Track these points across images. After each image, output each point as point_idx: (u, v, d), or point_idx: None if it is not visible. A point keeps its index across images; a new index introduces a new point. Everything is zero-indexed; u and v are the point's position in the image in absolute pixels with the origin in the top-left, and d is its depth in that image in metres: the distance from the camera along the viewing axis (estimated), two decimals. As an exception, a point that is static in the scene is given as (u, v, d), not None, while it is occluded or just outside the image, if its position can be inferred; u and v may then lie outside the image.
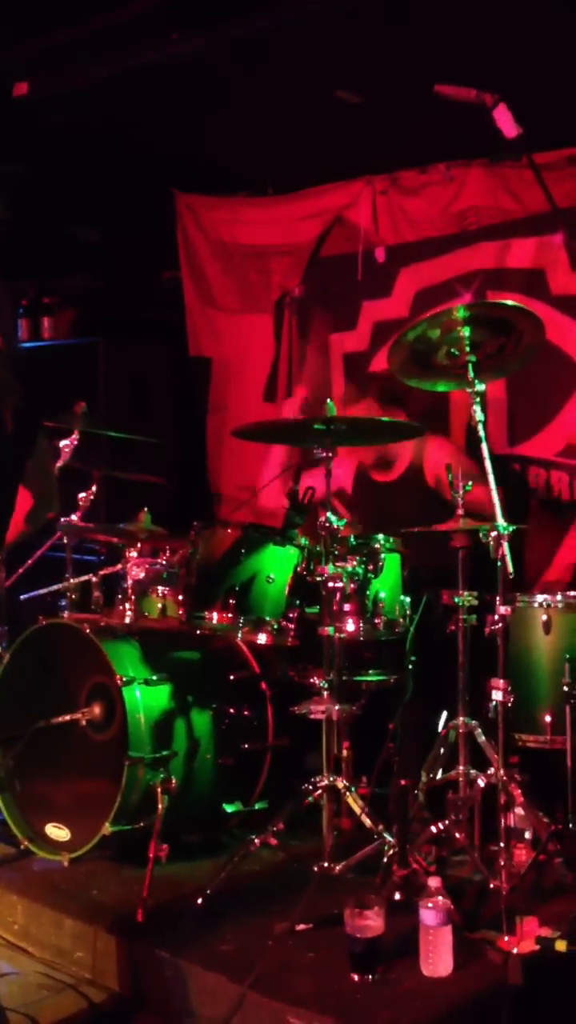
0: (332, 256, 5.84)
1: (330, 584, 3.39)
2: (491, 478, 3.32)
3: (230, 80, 4.93)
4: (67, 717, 3.70)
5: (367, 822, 3.35)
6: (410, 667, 3.70)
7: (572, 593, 3.79)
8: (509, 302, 3.42)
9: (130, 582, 3.94)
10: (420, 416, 4.49)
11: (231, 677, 4.01)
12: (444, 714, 3.73)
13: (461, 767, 3.54)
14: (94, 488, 4.27)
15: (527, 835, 3.42)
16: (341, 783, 3.36)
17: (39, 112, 5.08)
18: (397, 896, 3.11)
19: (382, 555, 3.59)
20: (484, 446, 3.37)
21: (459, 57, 4.24)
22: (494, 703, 3.27)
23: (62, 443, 4.28)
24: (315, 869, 3.19)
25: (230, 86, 4.98)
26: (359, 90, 4.82)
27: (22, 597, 4.59)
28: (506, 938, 2.87)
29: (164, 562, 4.03)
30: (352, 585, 3.53)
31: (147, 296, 6.10)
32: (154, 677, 3.69)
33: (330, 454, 3.45)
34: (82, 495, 4.23)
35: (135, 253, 6.02)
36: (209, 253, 6.25)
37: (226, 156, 5.65)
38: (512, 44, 4.34)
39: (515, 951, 2.81)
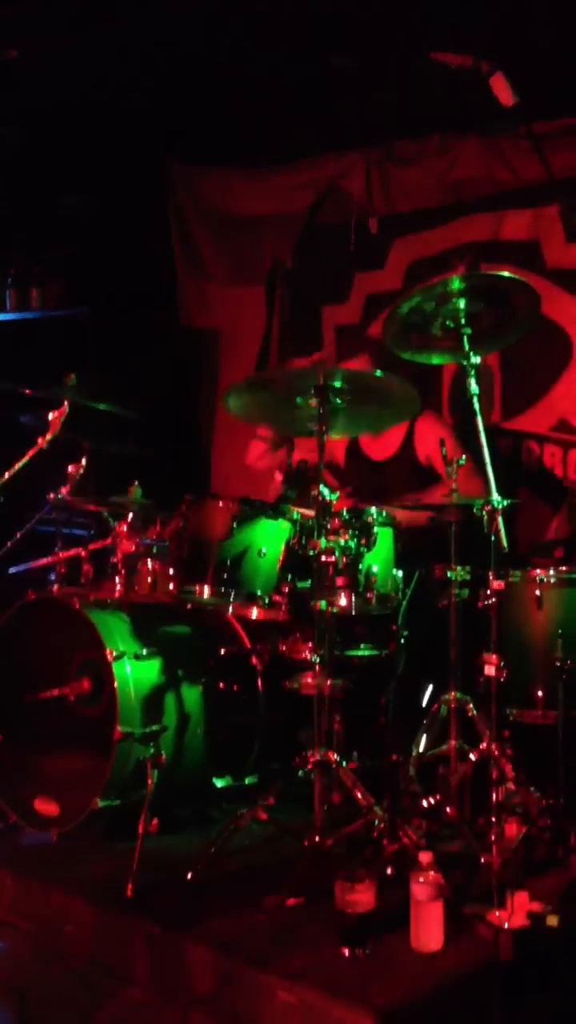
0: (325, 227, 5.79)
1: (322, 558, 3.36)
2: (485, 452, 3.29)
3: (223, 46, 4.86)
4: (55, 692, 3.68)
5: (358, 796, 3.33)
6: (402, 642, 3.68)
7: (564, 568, 3.77)
8: (505, 274, 3.38)
9: (120, 556, 3.90)
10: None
11: (222, 651, 3.99)
12: (430, 687, 3.72)
13: (453, 742, 3.53)
14: (84, 461, 4.22)
15: (518, 810, 3.41)
16: (332, 757, 3.34)
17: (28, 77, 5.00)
18: (388, 871, 3.10)
19: (375, 529, 3.56)
20: (479, 419, 3.34)
21: (456, 25, 4.18)
22: (486, 678, 3.25)
23: (51, 415, 4.23)
24: (305, 843, 3.17)
25: (223, 52, 4.92)
26: (354, 56, 4.75)
27: (11, 571, 4.55)
28: (497, 913, 2.86)
29: (155, 536, 3.99)
30: (344, 559, 3.50)
31: (138, 266, 6.03)
32: (144, 651, 3.67)
33: (323, 427, 3.41)
34: (71, 468, 4.18)
35: (125, 222, 5.95)
36: (201, 223, 6.19)
37: (219, 125, 5.58)
38: (509, 12, 4.28)
39: (506, 926, 2.80)
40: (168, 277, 6.26)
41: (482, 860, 3.14)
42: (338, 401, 3.43)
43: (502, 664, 3.23)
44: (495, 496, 3.23)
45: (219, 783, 3.88)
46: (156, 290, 6.20)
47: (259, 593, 3.56)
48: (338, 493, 3.45)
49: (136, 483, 4.05)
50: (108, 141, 5.55)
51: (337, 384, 3.37)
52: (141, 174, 5.91)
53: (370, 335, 5.23)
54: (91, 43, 4.85)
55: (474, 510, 3.29)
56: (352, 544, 3.52)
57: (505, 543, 3.23)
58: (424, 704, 3.63)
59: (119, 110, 5.33)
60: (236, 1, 4.53)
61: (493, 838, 3.15)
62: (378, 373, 3.60)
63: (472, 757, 3.40)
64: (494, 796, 3.19)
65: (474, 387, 3.37)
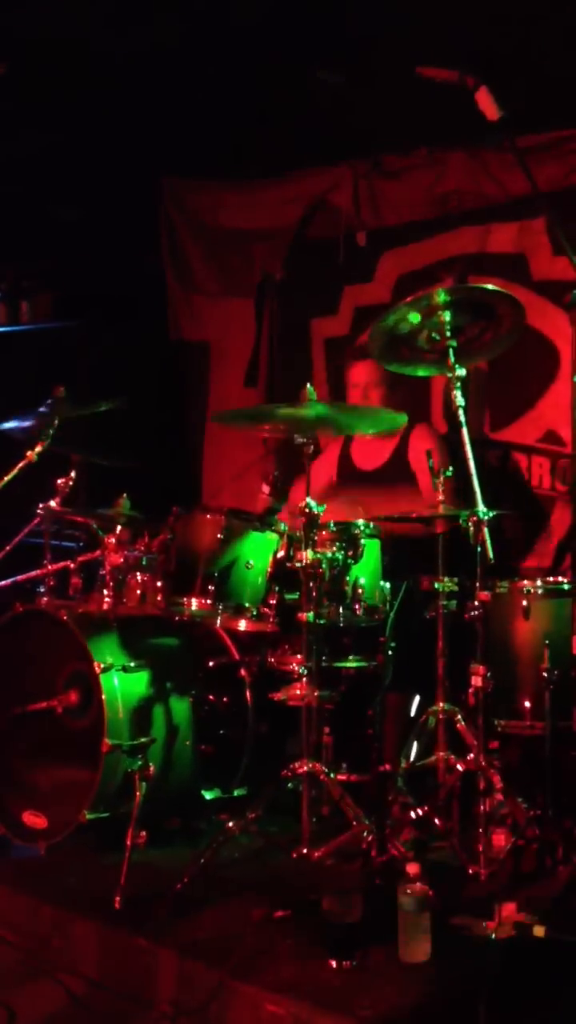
0: (314, 240, 5.81)
1: (309, 570, 3.37)
2: (471, 464, 3.31)
3: (213, 60, 4.88)
4: (43, 704, 3.68)
5: (346, 808, 3.34)
6: (390, 653, 3.69)
7: (552, 579, 3.79)
8: (490, 286, 3.40)
9: (108, 568, 3.90)
10: (404, 403, 4.46)
11: (210, 663, 4.00)
12: (417, 699, 3.72)
13: (440, 753, 3.54)
14: (73, 473, 4.23)
15: (506, 820, 3.42)
16: (320, 769, 3.34)
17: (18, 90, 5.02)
18: (376, 882, 3.10)
19: (362, 541, 3.57)
20: (464, 431, 3.36)
21: (443, 39, 4.20)
22: (473, 689, 3.26)
23: (40, 427, 4.24)
24: (294, 855, 3.18)
25: (213, 66, 4.94)
26: (341, 70, 4.79)
27: (-1, 584, 4.56)
28: (484, 924, 2.86)
29: (143, 548, 3.99)
30: (332, 571, 3.51)
31: (128, 279, 6.05)
32: (132, 664, 3.67)
33: (310, 440, 3.42)
34: (61, 480, 4.19)
35: (115, 236, 5.97)
36: (191, 236, 6.21)
37: (209, 139, 5.61)
38: (495, 27, 4.32)
39: (493, 937, 2.80)
40: (158, 290, 6.28)
41: (470, 871, 3.15)
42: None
43: (489, 675, 3.24)
44: (481, 507, 3.24)
45: (208, 795, 3.88)
46: (146, 303, 6.22)
47: (247, 605, 3.57)
48: (324, 506, 3.46)
49: (125, 495, 4.05)
50: (99, 154, 5.57)
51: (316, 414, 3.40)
52: (131, 187, 5.92)
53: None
54: (82, 56, 4.87)
55: (460, 521, 3.30)
56: (339, 556, 3.53)
57: (491, 554, 3.24)
58: (412, 715, 3.63)
59: (110, 123, 5.35)
60: (226, 16, 4.56)
61: (481, 849, 3.16)
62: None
63: (460, 768, 3.41)
64: (482, 807, 3.20)
65: (460, 399, 3.39)
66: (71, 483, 4.21)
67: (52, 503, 4.13)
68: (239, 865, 3.46)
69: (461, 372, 3.42)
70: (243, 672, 3.98)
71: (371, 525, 3.62)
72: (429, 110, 4.61)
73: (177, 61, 4.87)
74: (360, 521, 3.60)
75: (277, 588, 3.60)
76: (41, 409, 4.25)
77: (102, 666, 3.57)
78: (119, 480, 4.28)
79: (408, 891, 2.81)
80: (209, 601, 3.54)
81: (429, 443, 4.33)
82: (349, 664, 3.71)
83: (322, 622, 3.46)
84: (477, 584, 3.26)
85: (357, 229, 5.59)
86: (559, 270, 4.84)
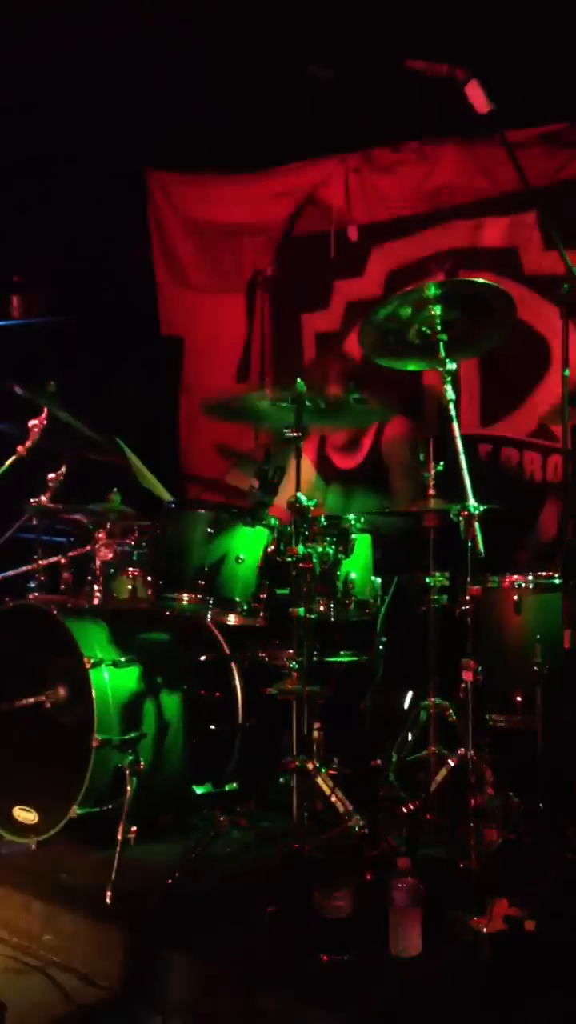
0: (304, 235, 5.80)
1: (300, 564, 3.37)
2: (462, 458, 3.30)
3: (201, 55, 4.87)
4: (33, 699, 3.67)
5: (338, 803, 3.33)
6: (381, 648, 3.69)
7: (543, 574, 3.78)
8: (480, 280, 3.40)
9: (99, 563, 3.90)
10: (389, 397, 4.46)
11: (201, 658, 3.99)
12: (410, 694, 3.72)
13: (432, 747, 3.53)
14: (64, 468, 4.21)
15: (498, 814, 3.41)
16: (312, 764, 3.34)
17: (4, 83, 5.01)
18: (367, 876, 3.10)
19: (353, 535, 3.57)
20: (455, 425, 3.35)
21: (432, 32, 4.20)
22: (464, 683, 3.26)
23: (31, 423, 4.22)
24: (285, 850, 3.17)
25: (201, 61, 4.93)
26: (332, 64, 4.78)
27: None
28: (475, 918, 2.86)
29: (134, 543, 3.99)
30: (322, 566, 3.51)
31: (118, 275, 6.03)
32: (123, 659, 3.67)
33: (300, 434, 3.41)
34: (51, 475, 4.18)
35: (106, 231, 5.95)
36: (181, 231, 6.19)
37: (200, 134, 5.59)
38: (485, 20, 4.31)
39: (484, 931, 2.81)
40: (149, 285, 6.26)
41: (461, 865, 3.14)
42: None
43: (480, 669, 3.24)
44: (472, 502, 3.24)
45: (199, 790, 3.87)
46: (137, 298, 6.19)
47: (238, 600, 3.56)
48: (315, 500, 3.46)
49: (116, 490, 4.04)
50: (89, 148, 5.55)
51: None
52: (122, 181, 5.90)
53: (342, 352, 5.24)
54: (69, 50, 4.85)
55: (451, 516, 3.30)
56: (330, 551, 3.53)
57: (482, 549, 3.23)
58: (403, 710, 3.63)
59: (98, 117, 5.33)
60: (215, 10, 4.55)
61: (472, 843, 3.16)
62: (354, 396, 3.63)
63: (451, 763, 3.41)
64: (473, 801, 3.20)
65: (450, 393, 3.38)
66: (62, 478, 4.20)
67: (43, 498, 4.12)
68: (231, 860, 3.46)
69: (452, 366, 3.41)
70: (234, 667, 3.97)
71: (362, 520, 3.62)
72: (419, 104, 4.62)
73: (166, 53, 4.85)
74: (351, 516, 3.59)
75: (268, 583, 3.59)
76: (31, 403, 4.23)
77: (92, 661, 3.56)
78: (110, 475, 4.27)
79: (399, 885, 2.81)
80: (199, 596, 3.53)
81: (407, 437, 4.32)
82: (340, 659, 3.71)
83: (313, 617, 3.46)
84: (468, 579, 3.26)
85: (348, 224, 5.58)
86: (550, 264, 4.83)
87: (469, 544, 3.24)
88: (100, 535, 3.93)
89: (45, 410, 4.23)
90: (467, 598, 3.27)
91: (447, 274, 5.00)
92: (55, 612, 3.71)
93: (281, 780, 3.31)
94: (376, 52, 4.40)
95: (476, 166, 5.12)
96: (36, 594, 4.09)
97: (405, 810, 3.36)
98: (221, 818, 3.34)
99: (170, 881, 3.22)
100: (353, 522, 3.58)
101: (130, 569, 3.90)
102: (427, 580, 3.55)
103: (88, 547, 4.04)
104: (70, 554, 4.18)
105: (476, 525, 3.23)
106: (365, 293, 5.49)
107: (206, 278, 6.15)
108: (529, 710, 3.58)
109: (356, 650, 3.72)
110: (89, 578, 3.93)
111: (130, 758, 3.45)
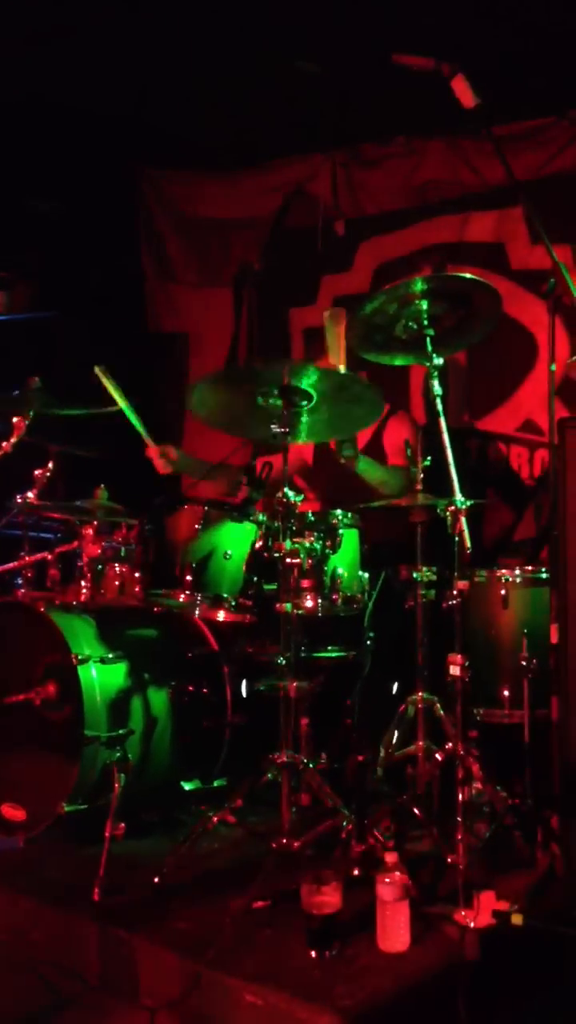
0: (292, 229, 5.80)
1: (288, 560, 3.36)
2: (449, 453, 3.30)
3: (189, 50, 4.85)
4: (21, 696, 3.65)
5: (325, 798, 3.33)
6: (368, 643, 3.69)
7: (530, 568, 3.79)
8: (467, 275, 3.39)
9: (86, 559, 3.89)
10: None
11: (189, 654, 3.98)
12: (396, 684, 3.72)
13: (420, 742, 3.54)
14: (50, 464, 4.20)
15: (485, 809, 3.42)
16: (299, 759, 3.33)
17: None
18: (355, 871, 3.11)
19: (340, 531, 3.56)
20: (442, 420, 3.35)
21: (419, 26, 4.20)
22: (452, 678, 3.25)
23: (15, 418, 4.21)
24: (273, 845, 3.17)
25: (189, 56, 4.91)
26: (318, 59, 4.77)
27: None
28: (463, 912, 2.87)
29: (121, 539, 3.98)
30: (310, 561, 3.50)
31: (105, 270, 6.01)
32: (110, 655, 3.66)
33: (286, 430, 3.40)
34: (38, 471, 4.16)
35: (93, 226, 5.93)
36: (170, 226, 6.19)
37: (187, 129, 5.58)
38: (472, 14, 4.30)
39: (472, 925, 2.81)
40: (137, 281, 6.24)
41: (449, 860, 3.14)
42: (303, 404, 3.42)
43: (468, 664, 3.23)
44: (459, 496, 3.24)
45: (187, 786, 3.87)
46: (124, 294, 6.18)
47: (226, 595, 3.55)
48: (303, 495, 3.45)
49: (103, 486, 4.03)
50: (76, 144, 5.53)
51: (302, 384, 3.36)
52: (109, 177, 5.89)
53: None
54: (59, 46, 4.83)
55: (438, 510, 3.30)
56: (318, 546, 3.52)
57: (469, 543, 3.23)
58: (391, 704, 3.63)
59: (87, 113, 5.32)
60: (203, 6, 4.53)
61: (460, 838, 3.16)
62: (342, 370, 3.60)
63: (439, 757, 3.41)
64: (461, 796, 3.20)
65: (437, 388, 3.38)
66: (48, 474, 4.18)
67: (29, 494, 4.10)
68: (219, 855, 3.46)
69: (439, 361, 3.41)
70: (222, 663, 3.97)
71: (349, 515, 3.61)
72: (406, 99, 4.61)
73: (153, 49, 4.83)
74: (338, 511, 3.59)
75: (255, 578, 3.58)
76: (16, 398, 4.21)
77: (79, 657, 3.55)
78: (97, 471, 4.25)
79: (387, 880, 2.82)
80: (187, 592, 3.52)
81: (407, 432, 4.32)
82: (328, 654, 3.71)
83: (300, 612, 3.45)
84: (455, 573, 3.26)
85: (335, 218, 5.58)
86: (537, 259, 4.85)
87: (456, 539, 3.24)
88: (87, 531, 3.92)
89: (30, 406, 4.21)
90: (454, 592, 3.27)
91: (434, 269, 5.00)
92: (42, 609, 3.70)
93: (269, 776, 3.31)
94: (363, 47, 4.41)
95: (463, 161, 5.14)
96: (23, 590, 4.08)
97: (393, 805, 3.36)
98: (209, 814, 3.33)
99: (158, 878, 3.22)
100: (341, 517, 3.58)
101: (117, 565, 3.90)
102: (414, 575, 3.55)
103: (75, 543, 4.03)
104: (57, 550, 4.17)
105: (463, 520, 3.22)
106: (353, 288, 5.50)
107: (194, 273, 6.16)
108: (516, 704, 3.60)
109: (344, 645, 3.72)
110: (76, 574, 3.92)
111: (118, 755, 3.44)
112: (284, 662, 3.36)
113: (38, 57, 4.91)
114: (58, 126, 5.39)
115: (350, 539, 3.62)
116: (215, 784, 3.87)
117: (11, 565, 4.26)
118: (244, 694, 3.86)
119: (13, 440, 4.15)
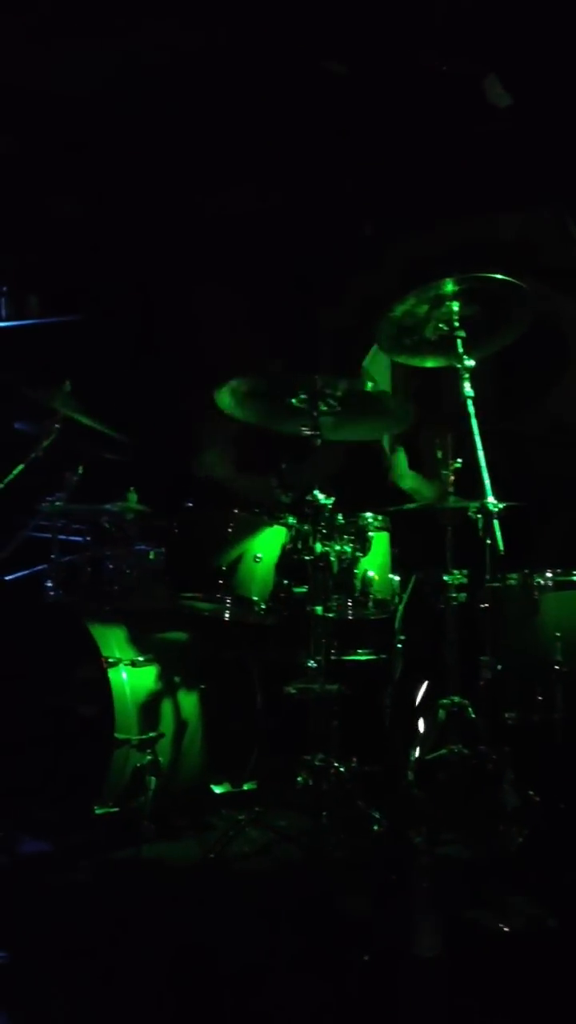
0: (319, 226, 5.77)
1: (318, 563, 3.35)
2: (480, 454, 3.28)
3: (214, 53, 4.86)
4: (53, 699, 3.66)
5: (357, 801, 3.32)
6: (400, 646, 3.67)
7: (562, 571, 3.76)
8: (498, 275, 3.37)
9: (116, 563, 3.89)
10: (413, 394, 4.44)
11: (219, 657, 3.98)
12: (425, 685, 3.71)
13: (451, 745, 3.52)
14: (80, 467, 4.21)
15: (517, 813, 3.40)
16: (331, 762, 3.32)
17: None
18: (387, 875, 3.09)
19: (370, 533, 3.55)
20: (474, 422, 3.33)
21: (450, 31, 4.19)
22: (483, 681, 3.24)
23: (46, 422, 4.22)
24: (304, 849, 3.16)
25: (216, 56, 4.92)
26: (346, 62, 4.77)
27: (7, 578, 4.54)
28: (497, 917, 2.85)
29: (152, 542, 3.99)
30: (340, 564, 3.49)
31: (130, 272, 6.01)
32: (140, 658, 3.66)
33: (317, 433, 3.40)
34: (68, 475, 4.18)
35: (110, 232, 5.94)
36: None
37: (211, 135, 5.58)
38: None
39: (506, 930, 2.79)
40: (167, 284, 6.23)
41: (481, 864, 3.13)
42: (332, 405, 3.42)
43: (500, 667, 3.22)
44: (490, 499, 3.22)
45: (217, 789, 3.86)
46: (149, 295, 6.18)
47: (256, 599, 3.55)
48: (333, 498, 3.44)
49: (132, 489, 4.04)
50: (102, 149, 5.54)
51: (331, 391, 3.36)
52: (136, 181, 5.89)
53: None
54: (86, 54, 4.85)
55: (469, 513, 3.28)
56: (348, 549, 3.51)
57: (501, 546, 3.21)
58: (418, 703, 3.61)
59: (112, 116, 5.33)
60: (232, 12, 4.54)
61: (493, 841, 3.14)
62: (368, 386, 3.60)
63: (471, 761, 3.39)
64: (493, 799, 3.18)
65: (469, 390, 3.36)
66: (78, 477, 4.20)
67: (59, 498, 4.11)
68: (249, 859, 3.46)
69: (470, 363, 3.39)
70: (252, 666, 3.96)
71: (380, 518, 3.60)
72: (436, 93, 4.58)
73: (177, 54, 4.84)
74: (368, 514, 3.58)
75: (286, 581, 3.58)
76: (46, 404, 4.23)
77: (110, 661, 3.56)
78: (127, 474, 4.26)
79: (420, 884, 2.80)
80: (217, 595, 3.52)
81: (437, 435, 4.30)
82: (359, 657, 3.70)
83: (331, 615, 3.45)
84: (487, 576, 3.24)
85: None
86: (566, 258, 4.81)
87: (488, 542, 3.22)
88: (117, 534, 3.93)
89: (60, 409, 4.22)
90: (486, 596, 3.25)
91: (463, 269, 4.97)
92: (74, 612, 3.70)
93: (299, 779, 3.30)
94: (392, 48, 4.40)
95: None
96: (53, 594, 4.09)
97: (425, 808, 3.34)
98: (239, 817, 3.33)
99: (190, 881, 3.22)
100: (371, 520, 3.57)
101: (147, 568, 3.90)
102: (445, 578, 3.53)
103: (105, 547, 4.04)
104: (87, 554, 4.18)
105: (495, 522, 3.21)
106: (381, 288, 5.46)
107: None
108: (549, 707, 3.56)
109: (374, 648, 3.71)
110: (106, 578, 3.92)
111: (148, 758, 3.45)
112: (314, 665, 3.35)
113: (65, 63, 4.93)
114: (82, 129, 5.39)
115: (380, 542, 3.61)
116: (245, 787, 3.86)
117: (41, 568, 4.28)
118: (275, 697, 3.85)
119: (45, 443, 4.16)
